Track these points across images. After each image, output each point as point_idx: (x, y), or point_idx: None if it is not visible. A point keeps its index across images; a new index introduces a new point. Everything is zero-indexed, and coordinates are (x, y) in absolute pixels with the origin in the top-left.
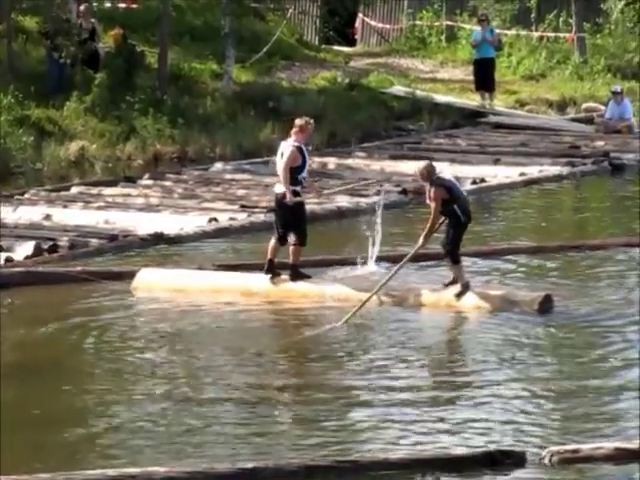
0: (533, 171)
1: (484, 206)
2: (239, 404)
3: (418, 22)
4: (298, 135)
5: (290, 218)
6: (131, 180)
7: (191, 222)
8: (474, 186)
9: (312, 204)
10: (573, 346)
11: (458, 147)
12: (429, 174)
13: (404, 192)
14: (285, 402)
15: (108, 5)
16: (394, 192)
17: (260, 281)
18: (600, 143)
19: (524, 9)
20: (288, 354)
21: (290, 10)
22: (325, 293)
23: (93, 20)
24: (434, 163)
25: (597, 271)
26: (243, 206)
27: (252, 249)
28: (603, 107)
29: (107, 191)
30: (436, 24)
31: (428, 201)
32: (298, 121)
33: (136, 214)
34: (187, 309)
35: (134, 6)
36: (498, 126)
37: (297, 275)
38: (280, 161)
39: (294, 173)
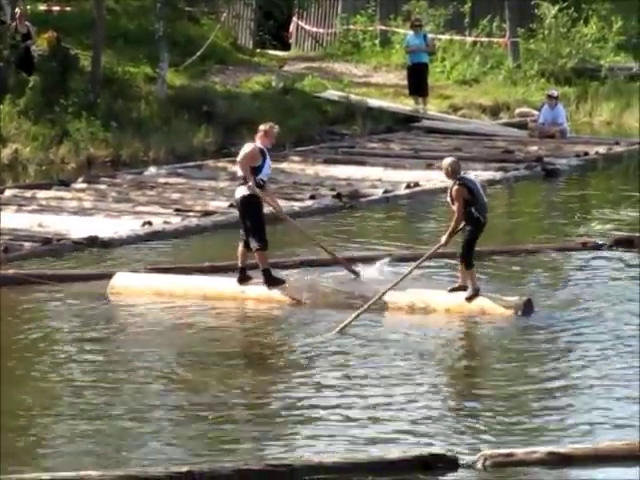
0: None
1: (418, 210)
2: (176, 407)
3: (352, 26)
4: (263, 139)
5: (249, 222)
6: (65, 183)
7: (125, 226)
8: (408, 190)
9: None
10: (521, 350)
11: (392, 151)
12: (453, 172)
13: (338, 196)
14: (224, 406)
15: (42, 8)
16: (328, 196)
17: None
18: (533, 148)
19: (458, 14)
20: (242, 361)
21: (224, 14)
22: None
23: (28, 23)
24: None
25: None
26: (177, 210)
27: (186, 252)
28: (536, 112)
29: (41, 194)
30: (370, 29)
31: (449, 199)
32: (262, 126)
33: (70, 217)
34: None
35: (68, 9)
36: (431, 131)
37: (271, 280)
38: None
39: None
